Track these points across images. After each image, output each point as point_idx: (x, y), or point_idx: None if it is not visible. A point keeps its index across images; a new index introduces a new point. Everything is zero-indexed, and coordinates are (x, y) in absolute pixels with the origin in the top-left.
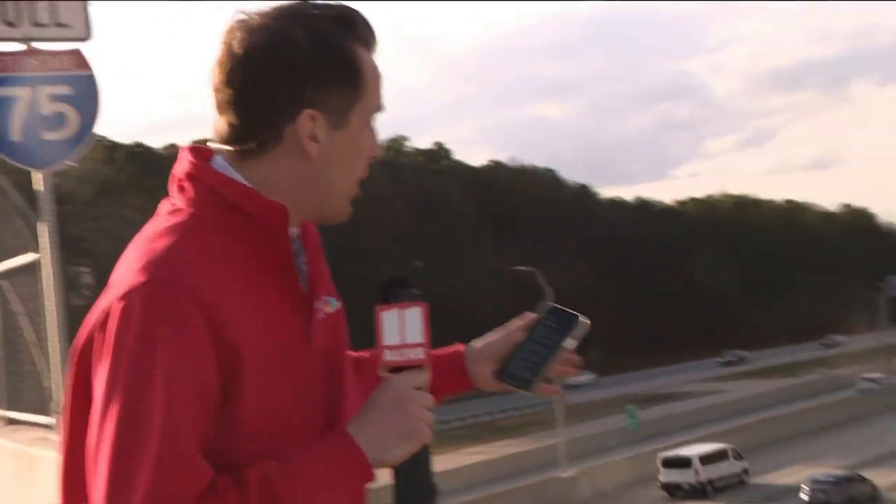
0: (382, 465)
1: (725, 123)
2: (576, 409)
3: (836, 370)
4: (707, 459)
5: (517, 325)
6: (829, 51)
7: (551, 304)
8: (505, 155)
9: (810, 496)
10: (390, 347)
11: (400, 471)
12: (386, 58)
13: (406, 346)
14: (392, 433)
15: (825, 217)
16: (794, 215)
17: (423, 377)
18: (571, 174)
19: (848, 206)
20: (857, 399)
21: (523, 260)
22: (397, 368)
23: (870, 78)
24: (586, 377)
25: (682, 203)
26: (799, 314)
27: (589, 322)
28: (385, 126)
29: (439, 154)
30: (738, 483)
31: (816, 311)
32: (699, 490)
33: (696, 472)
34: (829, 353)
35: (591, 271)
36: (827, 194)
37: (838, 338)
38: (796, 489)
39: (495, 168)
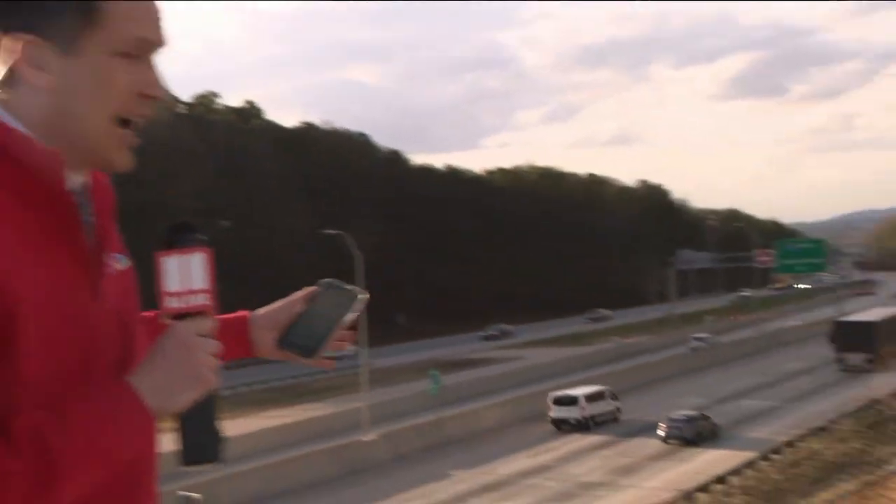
0: (167, 413)
1: (535, 96)
2: (379, 373)
3: (629, 339)
4: (591, 398)
5: (298, 296)
6: (631, 32)
7: (331, 279)
8: (318, 117)
9: (667, 431)
10: (172, 294)
11: (184, 418)
12: (198, 13)
13: (189, 292)
14: (176, 380)
15: (623, 192)
16: (594, 189)
17: (208, 323)
18: (383, 139)
19: (644, 182)
20: (689, 356)
21: (334, 223)
22: (181, 315)
23: (667, 60)
24: (349, 349)
25: (491, 173)
26: (583, 287)
27: (367, 297)
28: (194, 81)
29: (251, 112)
30: (612, 419)
31: (608, 283)
32: (583, 424)
33: (583, 408)
34: (596, 327)
35: (400, 237)
36: (626, 170)
37: (604, 312)
38: (655, 425)
39: (307, 130)
